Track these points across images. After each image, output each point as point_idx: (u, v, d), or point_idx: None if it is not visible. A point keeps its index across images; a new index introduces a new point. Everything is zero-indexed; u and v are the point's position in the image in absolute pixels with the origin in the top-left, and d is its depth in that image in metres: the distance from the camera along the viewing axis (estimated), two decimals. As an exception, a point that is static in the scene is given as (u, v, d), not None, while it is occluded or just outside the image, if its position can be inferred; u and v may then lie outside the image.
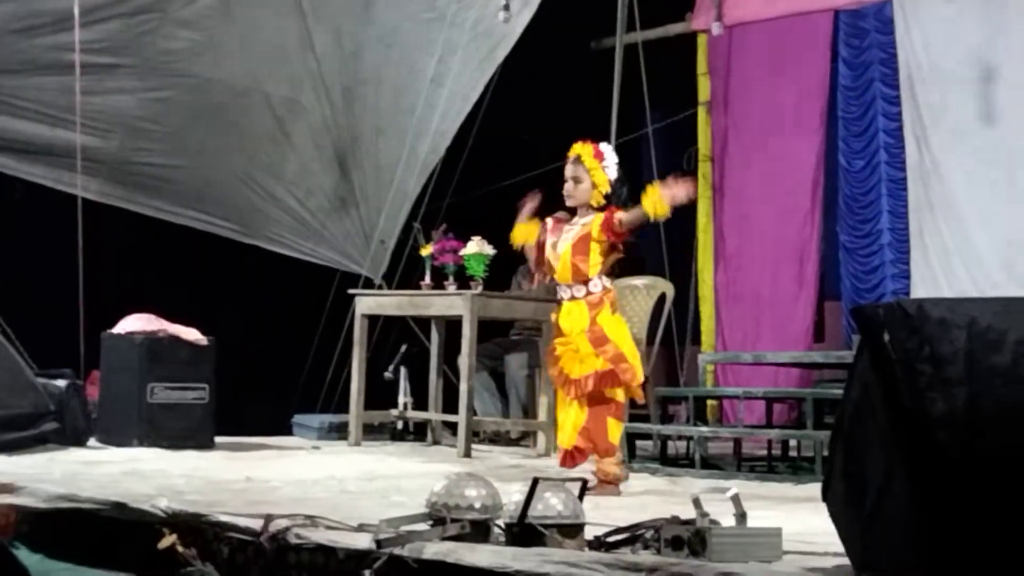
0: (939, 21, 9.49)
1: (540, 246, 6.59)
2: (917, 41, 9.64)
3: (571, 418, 6.31)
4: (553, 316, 6.57)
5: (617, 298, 6.59)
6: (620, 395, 6.32)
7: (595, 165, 6.45)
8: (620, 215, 6.36)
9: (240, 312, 9.41)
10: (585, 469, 6.17)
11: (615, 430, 6.33)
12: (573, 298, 6.40)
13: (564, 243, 6.46)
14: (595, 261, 6.39)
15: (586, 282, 6.38)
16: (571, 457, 6.32)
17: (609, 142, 10.41)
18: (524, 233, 6.64)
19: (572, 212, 6.56)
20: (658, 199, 6.30)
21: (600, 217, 6.39)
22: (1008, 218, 9.11)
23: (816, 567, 3.64)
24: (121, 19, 9.00)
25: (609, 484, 6.25)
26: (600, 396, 6.27)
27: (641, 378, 6.39)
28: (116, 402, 7.96)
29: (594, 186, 6.41)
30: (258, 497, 5.57)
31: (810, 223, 10.47)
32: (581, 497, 4.25)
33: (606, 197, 6.43)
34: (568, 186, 6.46)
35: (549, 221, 6.63)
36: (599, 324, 6.31)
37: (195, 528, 4.79)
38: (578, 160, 6.46)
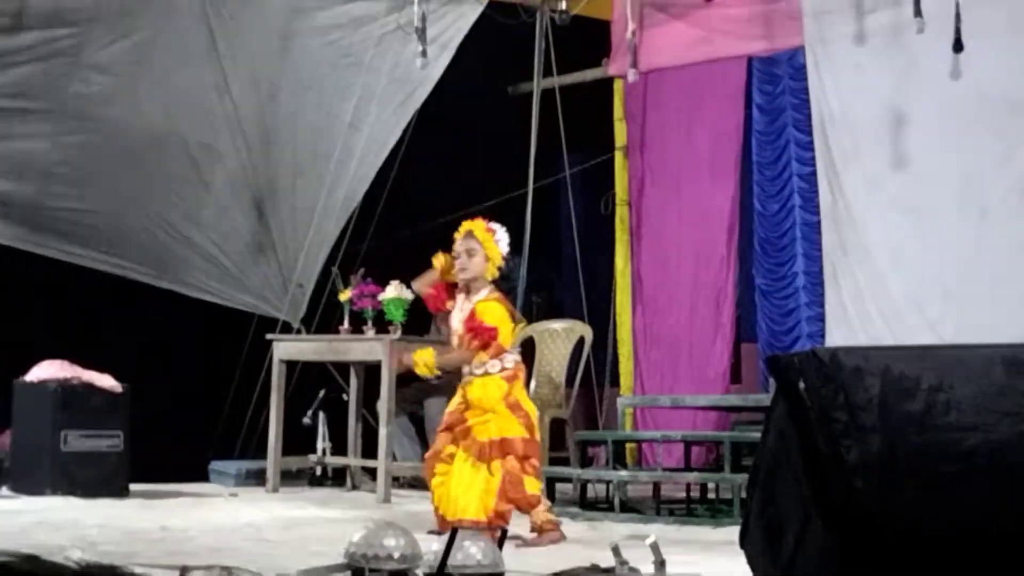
0: (850, 68, 9.64)
1: (440, 287, 6.56)
2: (829, 87, 9.78)
3: (477, 486, 6.16)
4: (461, 390, 6.48)
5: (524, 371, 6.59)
6: (536, 459, 6.31)
7: (488, 238, 6.46)
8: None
9: (156, 358, 9.31)
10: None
11: (533, 484, 6.25)
12: (487, 374, 6.35)
13: (460, 319, 6.45)
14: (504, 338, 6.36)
15: (500, 357, 6.34)
16: (489, 525, 6.05)
17: (527, 186, 10.58)
18: (446, 269, 6.57)
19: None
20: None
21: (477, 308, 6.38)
22: (919, 262, 9.24)
23: (734, 614, 3.67)
24: (34, 63, 8.90)
25: (548, 532, 6.18)
26: (523, 457, 6.23)
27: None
28: (28, 450, 7.85)
29: (487, 259, 6.43)
30: (174, 547, 5.51)
31: (726, 267, 10.57)
32: (501, 546, 4.25)
33: (500, 271, 6.51)
34: (462, 260, 6.45)
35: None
36: (514, 395, 6.33)
37: (110, 580, 4.71)
38: (470, 235, 6.48)
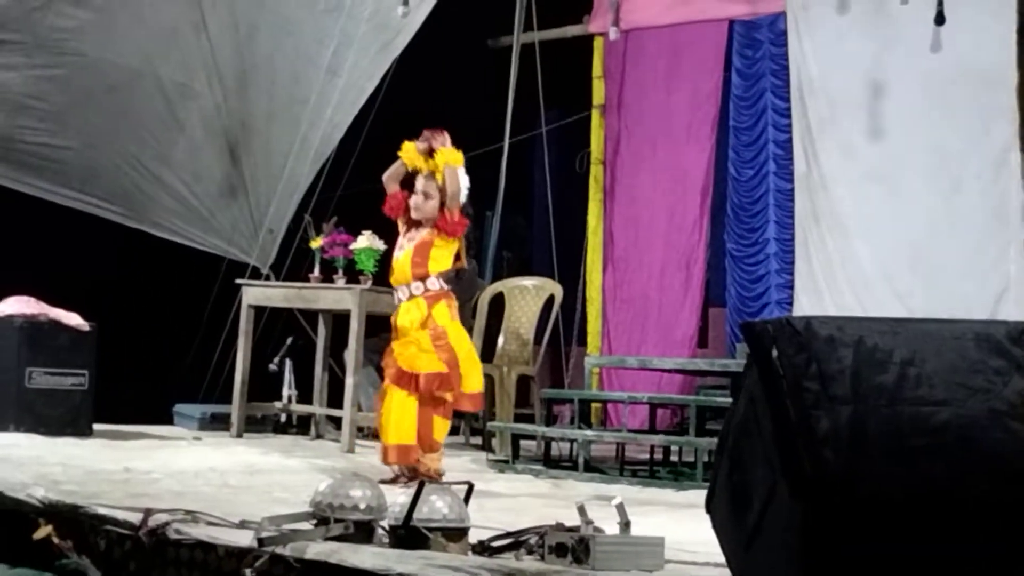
0: (830, 36, 9.63)
1: (402, 195, 6.64)
2: (808, 54, 9.77)
3: (398, 413, 6.39)
4: (392, 318, 6.62)
5: (456, 305, 6.63)
6: (449, 396, 6.47)
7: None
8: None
9: (123, 298, 9.26)
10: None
11: (441, 428, 6.48)
12: (411, 296, 6.47)
13: (404, 250, 6.56)
14: (435, 267, 6.49)
15: (424, 280, 6.45)
16: (397, 452, 6.41)
17: (503, 140, 10.54)
18: (413, 158, 6.64)
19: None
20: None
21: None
22: (890, 232, 9.27)
23: (698, 577, 3.68)
24: (10, -5, 8.80)
25: (429, 479, 6.32)
26: (431, 394, 6.40)
27: (474, 388, 6.53)
28: (-8, 386, 7.79)
29: (442, 205, 6.48)
30: (138, 489, 5.50)
31: (698, 230, 10.58)
32: (467, 501, 4.26)
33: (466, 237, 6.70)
34: (417, 199, 6.53)
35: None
36: (439, 322, 6.42)
37: (72, 519, 4.71)
38: (431, 177, 6.50)
